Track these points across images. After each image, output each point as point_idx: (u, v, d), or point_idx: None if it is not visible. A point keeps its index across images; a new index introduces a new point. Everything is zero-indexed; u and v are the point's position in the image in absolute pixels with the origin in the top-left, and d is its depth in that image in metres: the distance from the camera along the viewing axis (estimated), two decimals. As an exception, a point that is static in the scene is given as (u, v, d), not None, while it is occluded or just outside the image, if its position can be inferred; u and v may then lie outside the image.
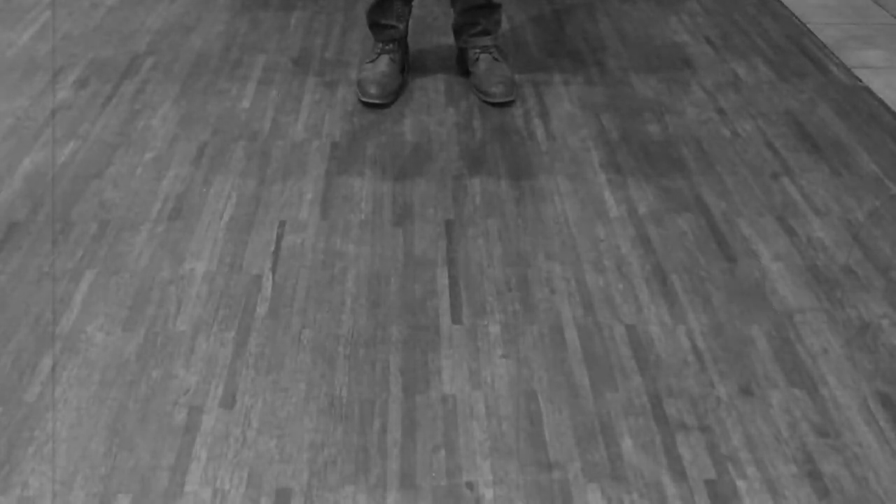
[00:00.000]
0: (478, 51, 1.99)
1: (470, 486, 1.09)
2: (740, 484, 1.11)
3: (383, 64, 1.95)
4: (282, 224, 1.55)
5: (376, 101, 1.91)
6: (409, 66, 2.06)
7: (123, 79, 2.05)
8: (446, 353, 1.29)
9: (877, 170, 1.75)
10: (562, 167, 1.73)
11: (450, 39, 2.12)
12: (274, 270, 1.44)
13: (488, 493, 1.08)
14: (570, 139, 1.83)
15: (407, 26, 1.98)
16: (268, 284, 1.41)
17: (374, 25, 1.97)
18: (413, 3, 1.97)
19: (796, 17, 2.39)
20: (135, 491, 1.07)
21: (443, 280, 1.43)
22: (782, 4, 2.47)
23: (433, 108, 1.94)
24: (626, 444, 1.16)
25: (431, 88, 2.02)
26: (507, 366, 1.27)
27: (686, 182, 1.70)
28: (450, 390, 1.22)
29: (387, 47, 1.97)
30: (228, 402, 1.20)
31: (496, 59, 1.98)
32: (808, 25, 2.34)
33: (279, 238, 1.52)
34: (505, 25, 2.19)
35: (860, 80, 2.08)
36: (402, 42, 2.00)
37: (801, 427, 1.19)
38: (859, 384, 1.27)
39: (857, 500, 1.09)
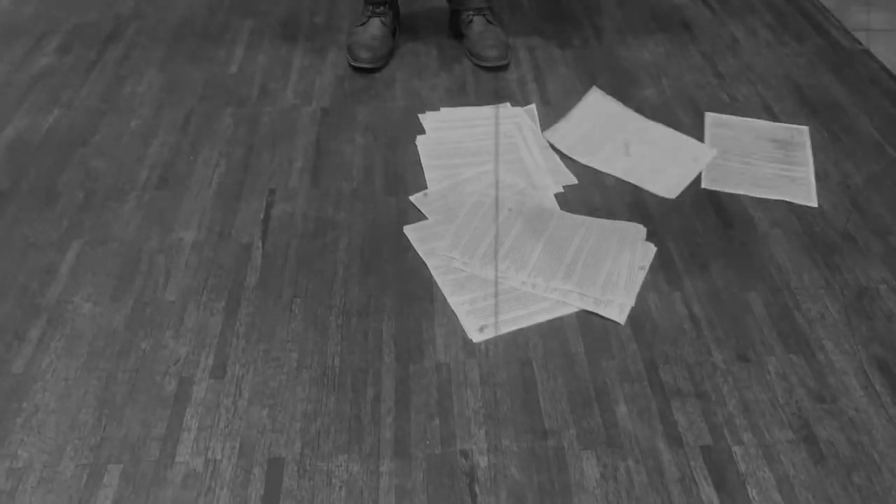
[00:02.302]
0: (471, 13, 1.94)
1: (464, 454, 1.08)
2: (736, 450, 1.10)
3: (374, 27, 1.90)
4: (271, 192, 1.52)
5: (367, 66, 1.87)
6: (400, 30, 2.01)
7: (107, 44, 2.00)
8: (440, 322, 1.27)
9: (876, 134, 1.72)
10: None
11: (442, 2, 2.07)
12: (264, 239, 1.42)
13: (483, 461, 1.07)
14: (566, 104, 1.79)
15: (398, -12, 1.94)
16: (258, 253, 1.39)
17: (365, -13, 1.92)
18: (404, -35, 1.92)
19: (795, -21, 2.34)
20: (125, 461, 1.06)
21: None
22: (781, -35, 2.41)
23: (425, 73, 1.90)
24: (622, 410, 1.15)
25: (423, 52, 1.98)
26: (502, 334, 1.25)
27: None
28: (444, 359, 1.21)
29: (377, 10, 1.92)
30: (219, 371, 1.18)
31: (490, 22, 1.94)
32: (807, -13, 2.29)
33: (269, 206, 1.49)
34: (498, -12, 2.14)
35: (860, 43, 2.05)
36: (392, 4, 1.95)
37: (797, 393, 1.19)
38: (856, 349, 1.26)
39: (852, 465, 1.09)
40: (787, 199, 1.54)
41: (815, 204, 1.53)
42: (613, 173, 1.57)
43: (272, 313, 1.28)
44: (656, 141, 1.67)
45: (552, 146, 1.63)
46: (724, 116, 1.76)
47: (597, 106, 1.66)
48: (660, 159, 1.62)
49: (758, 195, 1.55)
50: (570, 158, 1.60)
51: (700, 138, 1.69)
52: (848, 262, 1.42)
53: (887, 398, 1.18)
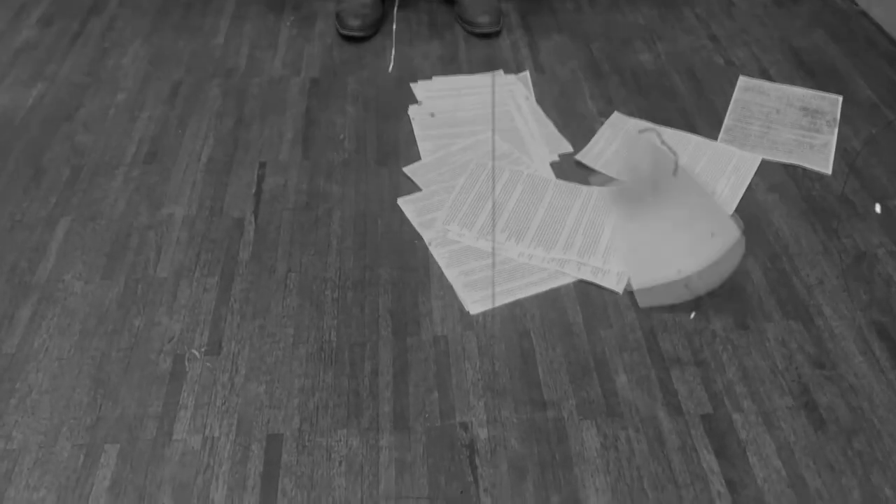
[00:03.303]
0: (462, -22, 1.90)
1: (464, 426, 1.07)
2: (736, 417, 1.10)
3: (363, -6, 1.86)
4: (262, 165, 1.50)
5: (356, 34, 1.83)
6: (389, -3, 1.97)
7: (90, 15, 1.95)
8: (436, 294, 1.26)
9: (873, 96, 1.70)
10: (551, 97, 1.68)
11: (432, -33, 2.02)
12: (256, 213, 1.39)
13: (482, 433, 1.07)
14: (560, 70, 1.76)
15: (387, -47, 1.89)
16: (250, 228, 1.36)
17: (352, -47, 1.87)
18: (392, -71, 1.87)
19: (791, -61, 2.30)
20: (122, 440, 1.05)
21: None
22: (776, -75, 2.37)
23: (416, 40, 1.86)
24: (621, 380, 1.14)
25: (414, 19, 1.94)
26: (499, 305, 1.24)
27: (679, 112, 1.65)
28: (441, 331, 1.20)
29: (366, -23, 1.88)
30: (214, 348, 1.17)
31: (481, -12, 1.90)
32: (803, -53, 2.25)
33: (260, 179, 1.46)
34: (489, -48, 2.09)
35: (856, 5, 2.02)
36: (381, -29, 1.91)
37: (796, 359, 1.18)
38: (855, 315, 1.25)
39: (852, 431, 1.09)
40: (802, 165, 1.52)
41: (829, 171, 1.51)
42: None
43: (266, 288, 1.26)
44: (696, 152, 1.53)
45: (584, 165, 1.50)
46: (756, 81, 1.73)
47: (621, 125, 1.60)
48: (704, 172, 1.49)
49: (772, 158, 1.53)
50: (609, 176, 1.47)
51: (698, 104, 1.67)
52: (846, 227, 1.41)
53: (886, 363, 1.18)
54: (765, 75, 1.76)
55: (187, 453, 1.03)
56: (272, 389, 1.11)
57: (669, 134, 1.59)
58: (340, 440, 1.05)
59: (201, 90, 1.69)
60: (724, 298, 1.27)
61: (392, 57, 1.79)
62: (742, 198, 1.45)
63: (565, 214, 1.39)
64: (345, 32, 1.84)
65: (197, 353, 1.09)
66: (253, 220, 1.38)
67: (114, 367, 1.14)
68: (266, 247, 1.33)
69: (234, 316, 1.21)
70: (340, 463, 1.03)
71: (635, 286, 1.26)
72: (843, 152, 1.56)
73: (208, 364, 1.14)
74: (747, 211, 1.43)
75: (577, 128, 1.61)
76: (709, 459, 1.05)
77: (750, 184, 1.48)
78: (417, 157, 1.52)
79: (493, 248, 1.32)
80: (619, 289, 1.27)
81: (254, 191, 1.44)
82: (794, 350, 1.20)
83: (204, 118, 1.61)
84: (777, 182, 1.50)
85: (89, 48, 1.83)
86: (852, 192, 1.48)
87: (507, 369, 1.15)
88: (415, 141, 1.56)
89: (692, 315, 1.18)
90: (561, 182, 1.47)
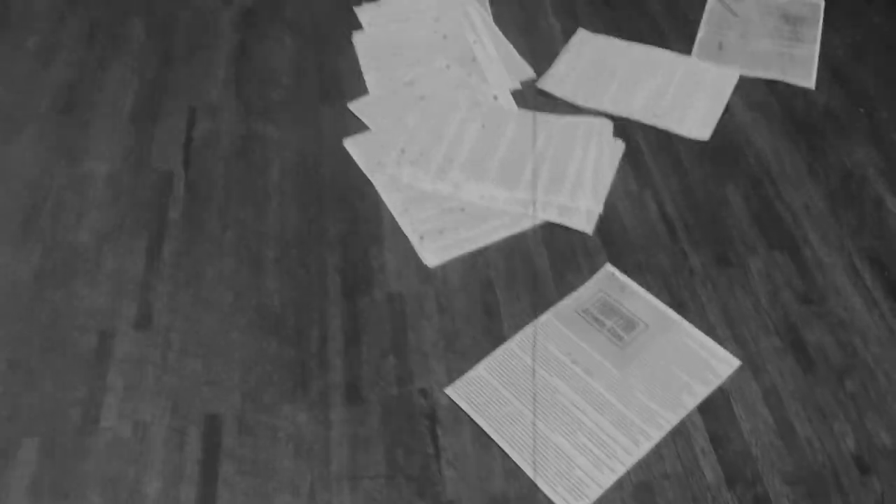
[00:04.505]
0: None
1: (424, 393, 0.98)
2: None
3: None
4: (192, 110, 1.35)
5: (292, -44, 1.65)
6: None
7: (-7, -51, 1.74)
8: (390, 247, 1.14)
9: (858, -2, 1.57)
10: (511, 15, 1.52)
11: None
12: (186, 165, 1.25)
13: (444, 399, 0.97)
14: (518, -14, 1.60)
15: None
16: (180, 182, 1.23)
17: None
18: None
19: None
20: (42, 433, 0.94)
21: (381, 161, 1.26)
22: None
23: (359, -40, 1.68)
24: (594, 330, 1.05)
25: (356, -64, 1.75)
26: (459, 255, 1.13)
27: (649, 25, 1.51)
28: (396, 288, 1.09)
29: None
30: (143, 321, 1.05)
31: None
32: None
33: (190, 126, 1.32)
34: None
35: None
36: None
37: (782, 295, 1.09)
38: (844, 242, 1.16)
39: (844, 370, 1.00)
40: (784, 80, 1.40)
41: (812, 86, 1.39)
42: (631, 116, 1.32)
43: (200, 250, 1.14)
44: (669, 70, 1.41)
45: (547, 93, 1.36)
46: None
47: (586, 45, 1.45)
48: (679, 92, 1.36)
49: (750, 74, 1.40)
50: (574, 105, 1.34)
51: (670, 16, 1.53)
52: (832, 144, 1.30)
53: (879, 294, 1.09)
54: (741, -20, 1.61)
55: (116, 443, 0.93)
56: (209, 364, 1.00)
57: (639, 51, 1.46)
58: (287, 417, 0.95)
59: (122, 28, 1.52)
60: (701, 231, 1.17)
61: (333, -20, 1.61)
62: (720, 119, 1.33)
63: (528, 148, 1.27)
64: (279, -46, 1.65)
65: None
66: (183, 173, 1.24)
67: (31, 348, 1.02)
68: (198, 203, 1.20)
69: (164, 284, 1.09)
70: (287, 443, 0.93)
71: None
72: (827, 60, 1.44)
73: (137, 339, 1.03)
74: (726, 133, 1.31)
75: (540, 49, 1.46)
76: (691, 412, 0.96)
77: (728, 103, 1.36)
78: (364, 92, 1.38)
79: (452, 192, 1.20)
80: (589, 229, 1.16)
81: (183, 140, 1.29)
82: (779, 285, 1.10)
83: (126, 60, 1.45)
84: (757, 99, 1.38)
85: (-6, -14, 1.64)
86: (838, 104, 1.37)
87: (469, 326, 1.05)
88: (361, 73, 1.41)
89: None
90: (523, 112, 1.34)
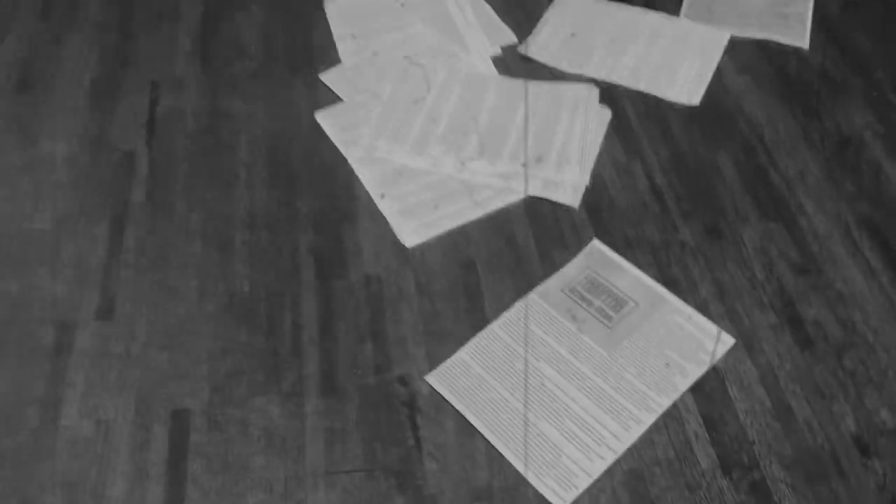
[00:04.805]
0: None
1: (403, 380, 0.93)
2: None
3: None
4: (155, 85, 1.27)
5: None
6: None
7: (-58, -84, 1.64)
8: (366, 227, 1.08)
9: (853, -48, 1.50)
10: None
11: None
12: (150, 144, 1.19)
13: (424, 387, 0.92)
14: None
15: None
16: (143, 162, 1.16)
17: None
18: None
19: None
20: (-1, 434, 0.89)
21: (355, 135, 1.19)
22: None
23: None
24: (581, 309, 1.00)
25: None
26: (439, 234, 1.07)
27: (636, -13, 1.44)
28: (373, 270, 1.03)
29: None
30: (106, 312, 0.99)
31: None
32: None
33: (153, 103, 1.24)
34: None
35: None
36: None
37: (777, 267, 1.04)
38: (841, 209, 1.11)
39: (842, 347, 0.96)
40: (775, 39, 1.33)
41: (805, 45, 1.33)
42: (618, 81, 1.26)
43: (165, 234, 1.07)
44: (656, 32, 1.35)
45: (529, 59, 1.29)
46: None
47: (570, 7, 1.38)
48: (667, 55, 1.30)
49: (741, 34, 1.34)
50: (559, 70, 1.28)
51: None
52: (828, 107, 1.24)
53: (878, 264, 1.04)
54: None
55: (78, 442, 0.88)
56: (176, 356, 0.95)
57: (625, 13, 1.39)
58: (258, 410, 0.90)
59: (79, -1, 1.43)
60: (692, 202, 1.12)
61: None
62: (710, 83, 1.27)
63: (510, 119, 1.21)
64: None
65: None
66: (146, 152, 1.17)
67: (-13, 344, 0.97)
68: (163, 184, 1.13)
69: (127, 271, 1.03)
70: (259, 438, 0.88)
71: None
72: (821, 19, 1.38)
73: (100, 331, 0.97)
74: (716, 97, 1.26)
75: (521, 12, 1.39)
76: (684, 396, 0.92)
77: (718, 65, 1.30)
78: (337, 62, 1.31)
79: (431, 166, 1.14)
80: (575, 203, 1.10)
81: (146, 117, 1.22)
82: (774, 257, 1.05)
83: (84, 33, 1.36)
84: (748, 61, 1.32)
85: (-57, -44, 1.54)
86: (833, 65, 1.31)
87: (450, 309, 0.99)
88: (333, 42, 1.34)
89: None
90: (504, 80, 1.27)
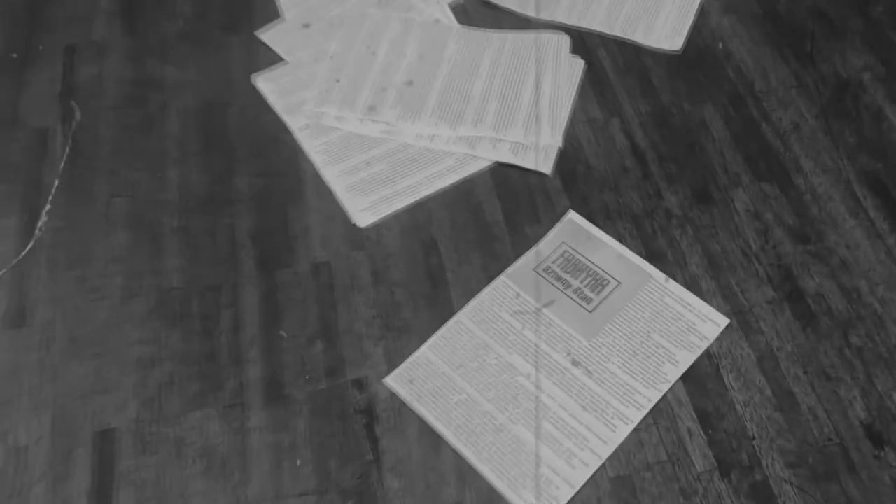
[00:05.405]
0: None
1: (359, 384, 0.82)
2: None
3: None
4: (70, 51, 1.12)
5: None
6: None
7: None
8: (313, 206, 0.96)
9: None
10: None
11: None
12: (65, 120, 1.04)
13: (383, 391, 0.82)
14: None
15: None
16: (58, 141, 1.02)
17: None
18: None
19: None
20: None
21: (299, 100, 1.06)
22: None
23: None
24: (558, 291, 0.89)
25: None
26: (396, 212, 0.96)
27: (608, -80, 1.29)
28: (322, 256, 0.92)
29: None
30: (16, 318, 0.87)
31: None
32: None
33: (68, 72, 1.10)
34: None
35: None
36: None
37: (774, 234, 0.94)
38: (841, 164, 1.00)
39: (848, 322, 0.86)
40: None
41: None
42: (591, 27, 1.13)
43: (85, 224, 0.95)
44: None
45: (492, 4, 1.15)
46: None
47: None
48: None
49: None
50: (525, 16, 1.14)
51: None
52: (822, 49, 1.13)
53: (884, 225, 0.94)
54: None
55: (-13, 475, 0.77)
56: (99, 367, 0.83)
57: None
58: (194, 426, 0.79)
59: (-17, -46, 1.27)
60: (677, 163, 1.00)
61: None
62: (692, 26, 1.15)
63: (473, 75, 1.08)
64: None
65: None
66: (60, 129, 1.04)
67: None
68: (81, 166, 1.00)
69: (42, 269, 0.91)
70: (196, 460, 0.77)
71: None
72: (814, -49, 1.25)
73: (8, 342, 0.85)
74: (700, 42, 1.13)
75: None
76: (675, 387, 0.82)
77: (700, 5, 1.17)
78: (277, 17, 1.16)
79: (387, 132, 1.02)
80: (548, 168, 0.99)
81: (60, 88, 1.08)
82: (770, 223, 0.95)
83: (-11, -7, 1.21)
84: (734, 0, 1.19)
85: None
86: (827, 1, 1.19)
87: (410, 298, 0.88)
88: (272, -6, 1.19)
89: None
90: (465, 30, 1.14)
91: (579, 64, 1.10)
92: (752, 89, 1.08)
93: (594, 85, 1.08)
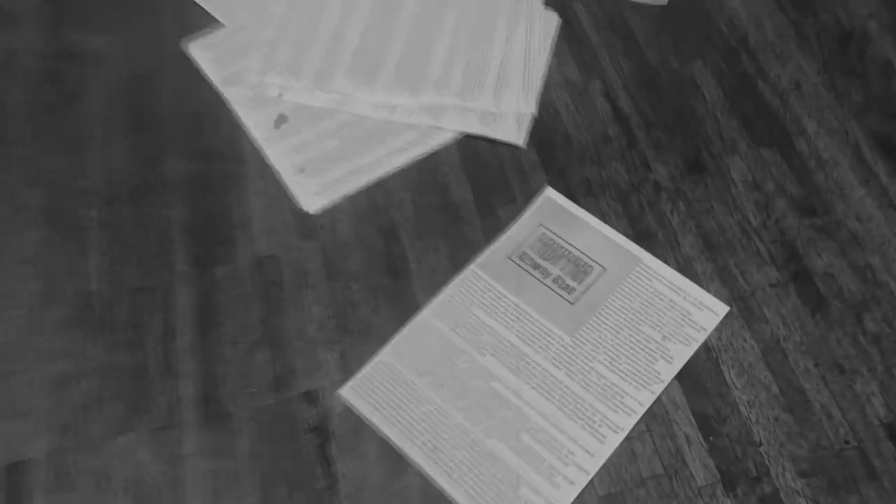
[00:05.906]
0: None
1: (310, 398, 0.72)
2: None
3: None
4: (-23, 20, 0.99)
5: None
6: None
7: None
8: (255, 191, 0.84)
9: None
10: None
11: None
12: (-29, 99, 0.92)
13: (338, 405, 0.71)
14: None
15: None
16: (-37, 124, 0.90)
17: None
18: None
19: None
20: None
21: (240, 70, 0.94)
22: None
23: None
24: (536, 281, 0.79)
25: None
26: (351, 194, 0.84)
27: None
28: (267, 248, 0.80)
29: None
30: (-86, 334, 0.76)
31: None
32: None
33: (-25, 44, 0.97)
34: None
35: None
36: None
37: (776, 207, 0.84)
38: (847, 125, 0.90)
39: (862, 304, 0.77)
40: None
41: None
42: None
43: (-6, 220, 0.83)
44: None
45: None
46: None
47: None
48: None
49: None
50: None
51: None
52: (823, -3, 1.02)
53: (897, 193, 0.84)
54: None
55: None
56: (11, 386, 0.72)
57: None
58: (121, 454, 0.69)
59: None
60: (666, 129, 0.90)
61: None
62: (680, -26, 1.03)
63: (435, 34, 0.96)
64: None
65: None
66: (-33, 111, 0.91)
67: None
68: (-10, 152, 0.88)
69: (-56, 274, 0.79)
70: (125, 492, 0.67)
71: None
72: None
73: None
74: (689, -8, 1.02)
75: None
76: (669, 386, 0.72)
77: (689, -49, 1.06)
78: (214, -25, 1.03)
79: (339, 103, 0.90)
80: (521, 139, 0.88)
81: (-34, 63, 0.95)
82: (770, 193, 0.85)
83: None
84: (726, -57, 1.07)
85: None
86: (826, -57, 1.07)
87: (370, 294, 0.78)
88: (207, -50, 1.06)
89: None
90: (425, -15, 1.02)
91: (553, 19, 0.98)
92: (746, 43, 0.98)
93: (571, 43, 0.97)
